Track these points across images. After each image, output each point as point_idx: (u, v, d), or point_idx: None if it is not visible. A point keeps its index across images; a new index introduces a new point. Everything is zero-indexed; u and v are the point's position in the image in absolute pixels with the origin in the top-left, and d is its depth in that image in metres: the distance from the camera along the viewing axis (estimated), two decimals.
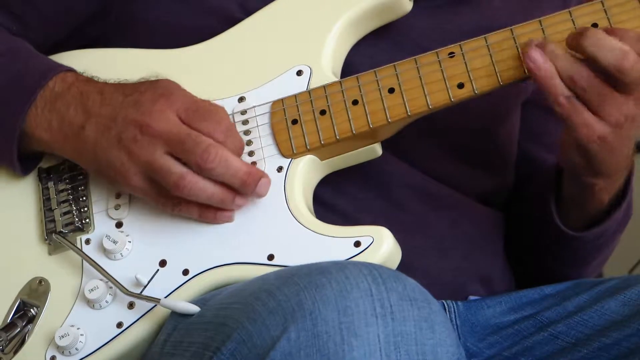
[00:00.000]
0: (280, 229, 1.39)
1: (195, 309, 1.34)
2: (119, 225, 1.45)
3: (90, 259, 1.42)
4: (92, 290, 1.40)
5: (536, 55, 1.37)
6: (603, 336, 1.40)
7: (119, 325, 1.39)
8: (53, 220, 1.47)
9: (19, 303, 1.45)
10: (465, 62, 1.41)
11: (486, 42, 1.41)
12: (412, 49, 1.44)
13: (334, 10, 1.48)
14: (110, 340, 1.39)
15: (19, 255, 1.47)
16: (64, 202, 1.48)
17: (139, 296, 1.39)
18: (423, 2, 1.52)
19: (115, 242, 1.42)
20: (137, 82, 1.43)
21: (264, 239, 1.39)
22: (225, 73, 1.49)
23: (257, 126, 1.45)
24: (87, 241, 1.45)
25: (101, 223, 1.46)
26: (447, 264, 1.53)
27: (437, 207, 1.54)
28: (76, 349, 1.39)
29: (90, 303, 1.41)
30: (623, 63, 1.34)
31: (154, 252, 1.42)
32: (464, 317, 1.50)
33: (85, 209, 1.47)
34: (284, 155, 1.43)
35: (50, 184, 1.49)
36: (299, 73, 1.46)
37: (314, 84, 1.45)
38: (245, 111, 1.46)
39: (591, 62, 1.35)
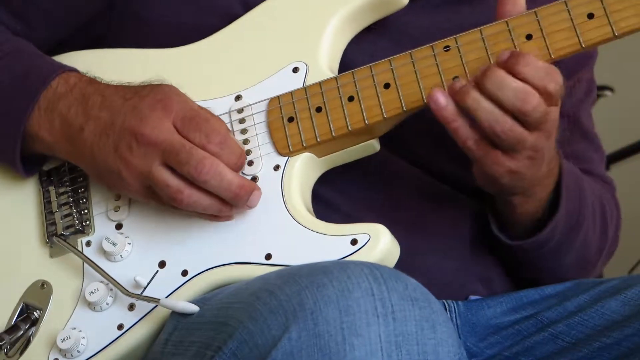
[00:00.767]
0: (277, 228, 1.39)
1: (195, 308, 1.34)
2: (118, 227, 1.45)
3: (91, 261, 1.43)
4: (92, 292, 1.41)
5: (438, 95, 1.36)
6: (603, 336, 1.40)
7: (120, 327, 1.39)
8: (54, 223, 1.47)
9: (22, 306, 1.45)
10: (460, 55, 1.40)
11: (481, 35, 1.40)
12: (413, 47, 1.43)
13: (329, 6, 1.47)
14: (112, 342, 1.39)
15: (21, 258, 1.48)
16: (64, 204, 1.48)
17: (139, 297, 1.39)
18: (423, 1, 1.51)
19: (114, 244, 1.42)
20: (139, 85, 1.43)
21: (261, 238, 1.39)
22: (222, 71, 1.49)
23: (254, 124, 1.45)
24: (88, 243, 1.45)
25: (101, 225, 1.46)
26: (448, 264, 1.52)
27: (438, 207, 1.54)
28: (78, 351, 1.39)
29: (91, 305, 1.41)
30: (524, 106, 1.33)
31: (153, 253, 1.42)
32: (464, 317, 1.50)
33: (86, 211, 1.47)
34: (281, 154, 1.43)
35: (51, 187, 1.49)
36: (295, 70, 1.46)
37: (310, 81, 1.44)
38: (242, 109, 1.46)
39: (495, 103, 1.34)
